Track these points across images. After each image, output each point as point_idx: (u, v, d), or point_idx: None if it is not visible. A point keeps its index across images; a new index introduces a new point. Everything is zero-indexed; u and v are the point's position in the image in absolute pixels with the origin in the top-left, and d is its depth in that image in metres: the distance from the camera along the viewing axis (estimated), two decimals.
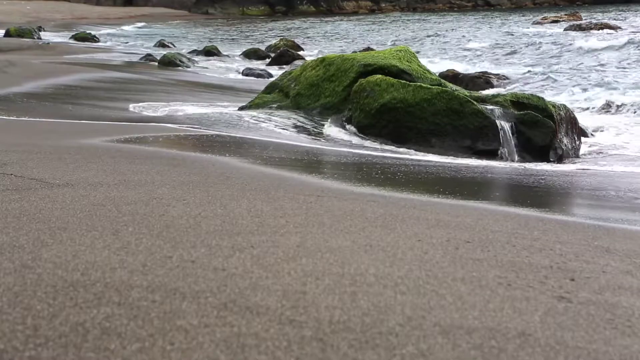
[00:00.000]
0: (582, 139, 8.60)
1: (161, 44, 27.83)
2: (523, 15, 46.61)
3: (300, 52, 23.15)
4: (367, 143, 7.83)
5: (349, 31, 38.27)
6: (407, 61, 8.88)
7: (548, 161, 7.63)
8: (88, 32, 31.65)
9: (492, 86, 14.41)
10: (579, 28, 28.64)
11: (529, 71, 16.83)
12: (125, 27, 44.56)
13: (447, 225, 3.43)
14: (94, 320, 2.00)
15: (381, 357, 1.88)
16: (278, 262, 2.61)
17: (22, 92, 10.20)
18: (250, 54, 23.67)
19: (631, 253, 3.16)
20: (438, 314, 2.19)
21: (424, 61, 10.82)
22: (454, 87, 8.82)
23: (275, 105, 9.07)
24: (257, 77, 17.00)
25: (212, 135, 6.96)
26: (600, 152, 8.43)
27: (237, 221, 3.21)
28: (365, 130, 8.01)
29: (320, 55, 9.44)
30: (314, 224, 3.25)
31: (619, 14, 41.42)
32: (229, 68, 19.97)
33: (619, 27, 28.99)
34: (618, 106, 11.55)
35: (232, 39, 35.79)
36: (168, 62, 18.58)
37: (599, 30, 27.61)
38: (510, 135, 7.74)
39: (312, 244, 2.88)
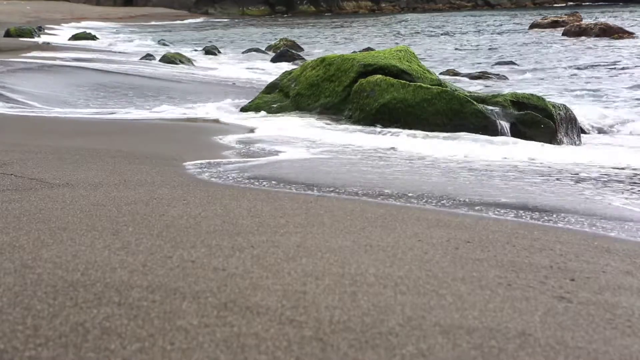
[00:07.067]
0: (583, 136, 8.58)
1: (161, 44, 27.82)
2: (523, 16, 46.62)
3: (300, 52, 23.12)
4: None
5: (349, 31, 38.26)
6: (407, 61, 8.86)
7: None
8: (88, 32, 31.66)
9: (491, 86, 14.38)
10: (579, 30, 27.94)
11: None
12: (126, 27, 44.60)
13: (447, 225, 3.42)
14: (94, 320, 2.00)
15: (381, 357, 1.88)
16: (278, 262, 2.61)
17: None
18: (250, 54, 23.66)
19: (631, 253, 3.16)
20: (438, 314, 2.19)
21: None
22: (454, 87, 8.81)
23: (275, 106, 9.07)
24: (257, 77, 16.96)
25: None
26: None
27: (237, 221, 3.21)
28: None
29: (320, 55, 9.41)
30: (314, 224, 3.25)
31: (621, 15, 41.33)
32: (229, 68, 19.95)
33: (629, 33, 25.88)
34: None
35: (232, 39, 35.79)
36: (168, 62, 18.56)
37: (606, 37, 25.57)
38: (511, 135, 7.74)
39: (312, 244, 2.88)
